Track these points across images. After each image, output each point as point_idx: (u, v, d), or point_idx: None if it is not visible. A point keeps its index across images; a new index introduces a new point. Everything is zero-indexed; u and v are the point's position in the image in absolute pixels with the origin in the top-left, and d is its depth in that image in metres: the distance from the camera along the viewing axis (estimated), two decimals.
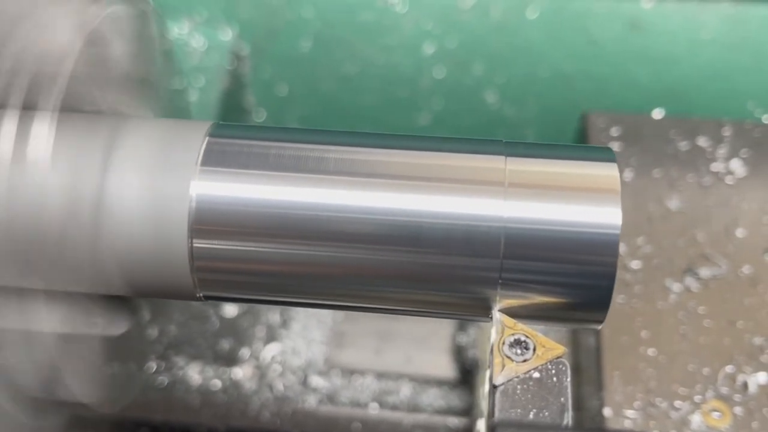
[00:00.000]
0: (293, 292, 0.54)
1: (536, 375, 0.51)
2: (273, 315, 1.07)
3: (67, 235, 0.49)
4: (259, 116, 1.30)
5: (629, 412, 0.85)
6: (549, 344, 0.52)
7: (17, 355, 0.50)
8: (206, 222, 0.51)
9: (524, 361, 0.51)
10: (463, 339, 1.06)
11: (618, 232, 0.50)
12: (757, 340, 0.88)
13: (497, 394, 0.50)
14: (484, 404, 0.70)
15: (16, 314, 0.50)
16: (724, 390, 0.85)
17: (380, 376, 1.01)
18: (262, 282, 0.54)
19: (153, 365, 1.00)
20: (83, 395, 0.52)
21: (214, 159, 0.52)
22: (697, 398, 0.83)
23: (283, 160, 0.51)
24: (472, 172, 0.52)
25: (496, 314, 0.53)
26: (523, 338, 0.52)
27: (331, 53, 1.26)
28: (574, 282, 0.51)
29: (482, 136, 0.55)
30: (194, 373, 1.01)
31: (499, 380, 0.50)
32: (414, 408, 0.96)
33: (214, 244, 0.52)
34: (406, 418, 0.94)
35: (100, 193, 0.50)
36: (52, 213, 0.48)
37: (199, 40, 1.20)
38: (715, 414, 0.84)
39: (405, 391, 1.00)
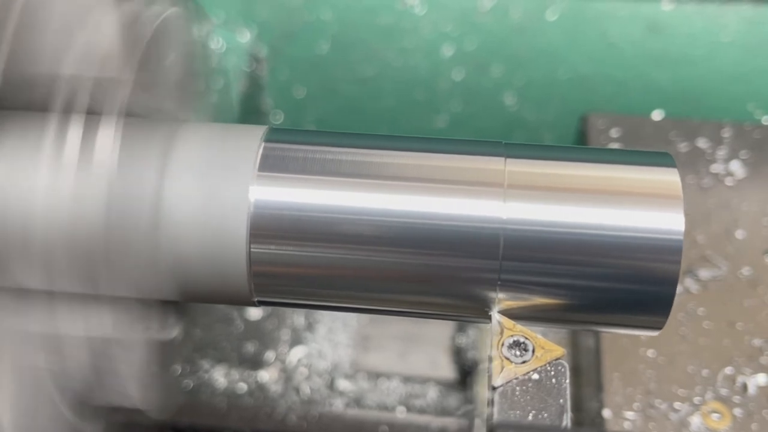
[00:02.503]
0: (347, 297, 0.56)
1: (535, 376, 0.52)
2: (298, 318, 1.08)
3: (128, 240, 0.49)
4: (276, 118, 1.31)
5: (629, 414, 0.86)
6: (548, 346, 0.53)
7: (76, 360, 0.50)
8: (265, 227, 0.53)
9: (523, 362, 0.52)
10: (463, 340, 1.06)
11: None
12: (757, 342, 0.90)
13: (496, 396, 0.51)
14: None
15: (75, 320, 0.50)
16: (724, 391, 0.87)
17: (406, 379, 1.01)
18: (318, 287, 0.55)
19: (178, 368, 1.00)
20: (139, 401, 0.52)
21: (271, 164, 0.53)
22: (697, 400, 0.85)
23: (341, 165, 0.51)
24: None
25: (496, 316, 0.54)
26: (522, 340, 0.53)
27: (349, 55, 1.27)
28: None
29: (500, 138, 0.56)
30: (219, 376, 1.01)
31: (498, 382, 0.51)
32: (441, 411, 0.96)
33: (272, 250, 0.53)
34: (434, 421, 0.94)
35: (159, 198, 0.50)
36: (115, 219, 0.48)
37: (216, 42, 1.20)
38: (715, 415, 0.86)
39: (432, 394, 1.00)
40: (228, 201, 0.53)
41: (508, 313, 0.54)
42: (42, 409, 0.52)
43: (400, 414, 1.01)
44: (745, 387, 0.88)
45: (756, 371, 0.89)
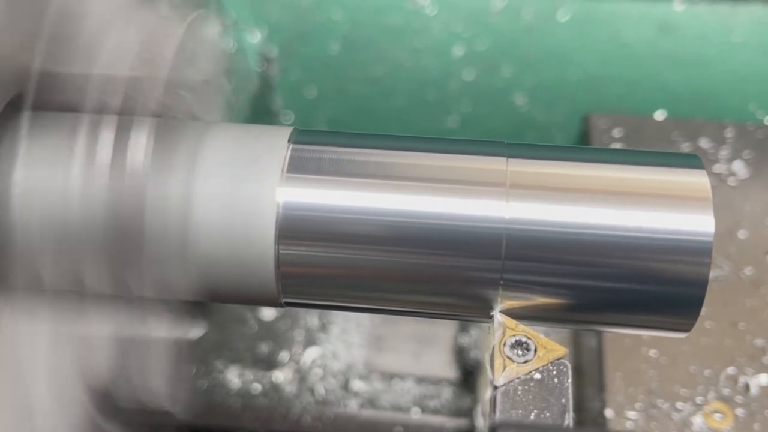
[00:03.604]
0: (371, 298, 0.57)
1: (537, 376, 0.52)
2: (311, 318, 1.08)
3: (158, 241, 0.49)
4: (287, 119, 1.31)
5: (631, 414, 0.87)
6: (550, 345, 0.53)
7: (104, 361, 0.50)
8: (293, 229, 0.54)
9: (525, 362, 0.53)
10: (465, 340, 1.07)
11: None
12: (759, 342, 0.91)
13: (498, 395, 0.51)
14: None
15: (103, 320, 0.50)
16: (726, 391, 0.87)
17: (420, 380, 1.02)
18: (344, 288, 0.56)
19: (192, 368, 1.00)
20: (166, 401, 0.52)
21: (299, 165, 0.54)
22: (699, 399, 0.86)
23: (366, 167, 0.54)
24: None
25: (498, 315, 0.55)
26: (524, 339, 0.54)
27: (360, 55, 1.28)
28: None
29: (511, 138, 0.56)
30: (234, 377, 1.01)
31: (500, 381, 0.52)
32: (456, 412, 0.97)
33: (301, 251, 0.54)
34: (449, 422, 0.94)
35: (188, 199, 0.51)
36: (147, 220, 0.48)
37: (227, 42, 1.20)
38: (717, 415, 0.86)
39: (446, 395, 1.00)
40: (256, 202, 0.53)
41: (511, 313, 0.55)
42: (70, 409, 0.52)
43: (415, 415, 1.01)
44: (747, 387, 0.89)
45: (758, 371, 0.90)
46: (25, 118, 0.51)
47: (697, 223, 0.52)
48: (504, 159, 0.55)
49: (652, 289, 0.52)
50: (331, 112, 1.35)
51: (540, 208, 0.52)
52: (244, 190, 0.54)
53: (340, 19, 1.27)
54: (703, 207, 0.52)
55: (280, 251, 0.54)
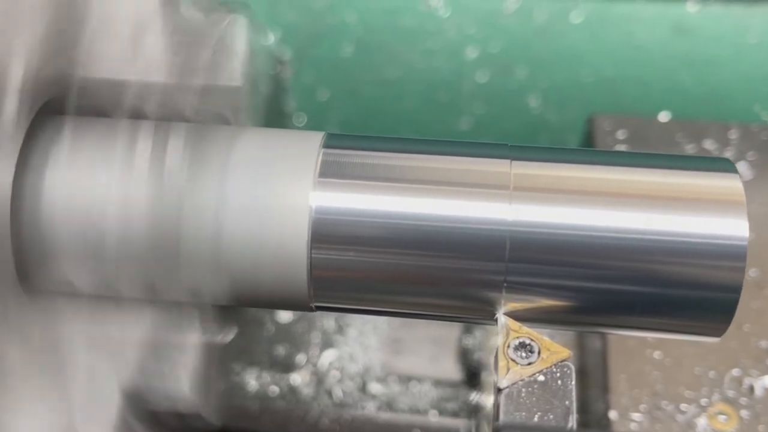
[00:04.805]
0: (396, 302, 0.57)
1: (541, 378, 0.52)
2: (328, 321, 1.08)
3: (192, 246, 0.49)
4: (300, 121, 1.31)
5: (635, 416, 0.87)
6: (554, 347, 0.53)
7: (138, 365, 0.50)
8: (326, 233, 0.54)
9: (529, 364, 0.53)
10: (469, 341, 1.07)
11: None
12: (764, 344, 0.91)
13: (502, 397, 0.52)
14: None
15: (137, 324, 0.50)
16: (731, 393, 0.88)
17: (438, 383, 1.02)
18: (375, 292, 0.57)
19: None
20: (198, 405, 0.52)
21: (331, 170, 0.55)
22: (704, 401, 0.86)
23: (399, 171, 0.55)
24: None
25: (501, 317, 0.55)
26: (528, 341, 0.54)
27: (373, 58, 1.28)
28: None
29: (524, 141, 0.56)
30: (251, 379, 1.01)
31: (503, 383, 0.52)
32: (474, 414, 0.97)
33: (333, 255, 0.55)
34: (467, 425, 0.94)
35: (221, 204, 0.51)
36: (184, 226, 0.48)
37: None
38: (722, 417, 0.87)
39: (464, 397, 1.00)
40: (290, 207, 0.54)
41: (514, 315, 0.55)
42: (106, 411, 0.52)
43: (433, 417, 1.01)
44: (752, 389, 0.90)
45: (763, 373, 0.90)
46: (62, 123, 0.51)
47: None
48: (507, 161, 0.55)
49: (662, 292, 0.52)
50: (344, 114, 1.35)
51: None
52: (277, 195, 0.54)
53: (353, 22, 1.28)
54: (736, 210, 0.52)
55: (313, 255, 0.54)
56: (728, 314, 0.53)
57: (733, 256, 0.51)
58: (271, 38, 1.28)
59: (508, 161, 0.55)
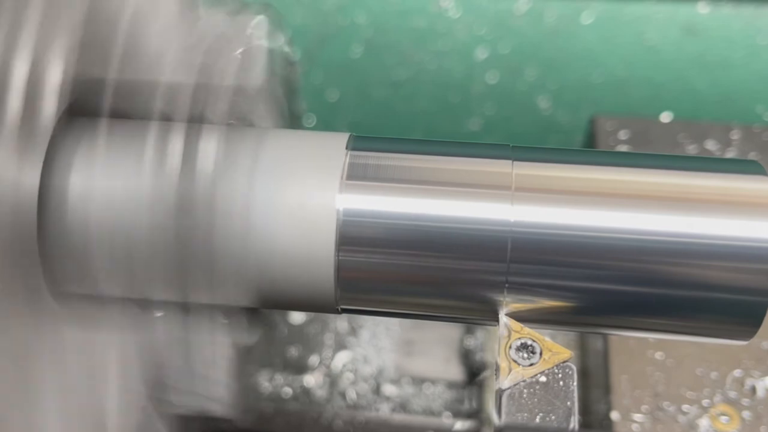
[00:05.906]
0: (416, 304, 0.58)
1: (543, 379, 0.53)
2: (341, 323, 1.08)
3: (221, 248, 0.49)
4: (309, 122, 1.31)
5: (637, 416, 0.87)
6: (556, 348, 0.54)
7: (165, 367, 0.50)
8: (353, 235, 0.55)
9: (531, 365, 0.53)
10: (471, 342, 1.07)
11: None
12: (766, 345, 0.91)
13: (504, 398, 0.52)
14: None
15: (165, 326, 0.50)
16: (733, 394, 0.88)
17: (451, 384, 1.02)
18: (401, 294, 0.57)
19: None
20: (225, 407, 0.52)
21: (357, 172, 0.56)
22: (705, 402, 0.86)
23: (426, 173, 0.55)
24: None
25: (503, 318, 0.56)
26: (529, 342, 0.54)
27: (383, 59, 1.29)
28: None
29: (534, 142, 0.56)
30: (264, 381, 1.01)
31: (505, 384, 0.53)
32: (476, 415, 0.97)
33: (360, 257, 0.56)
34: (480, 427, 0.94)
35: (248, 207, 0.51)
36: (214, 228, 0.48)
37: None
38: (723, 418, 0.87)
39: (467, 398, 1.00)
40: (317, 209, 0.55)
41: (516, 316, 0.56)
42: (136, 412, 0.52)
43: (447, 419, 1.01)
44: (753, 390, 0.90)
45: (765, 374, 0.91)
46: (88, 124, 0.51)
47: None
48: (509, 162, 0.56)
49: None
50: (354, 115, 1.36)
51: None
52: (304, 198, 0.55)
53: (363, 23, 1.28)
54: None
55: (340, 257, 0.54)
56: (757, 318, 0.53)
57: (763, 258, 0.51)
58: (281, 39, 1.28)
59: (509, 161, 0.55)
